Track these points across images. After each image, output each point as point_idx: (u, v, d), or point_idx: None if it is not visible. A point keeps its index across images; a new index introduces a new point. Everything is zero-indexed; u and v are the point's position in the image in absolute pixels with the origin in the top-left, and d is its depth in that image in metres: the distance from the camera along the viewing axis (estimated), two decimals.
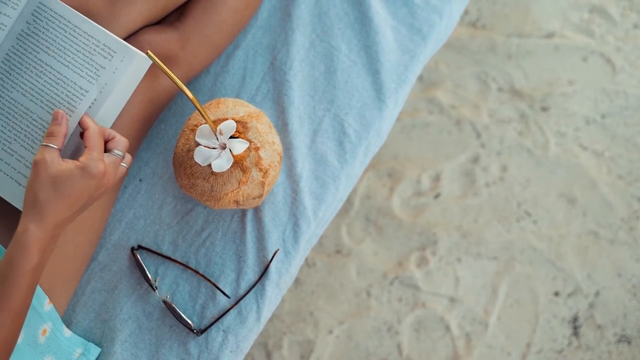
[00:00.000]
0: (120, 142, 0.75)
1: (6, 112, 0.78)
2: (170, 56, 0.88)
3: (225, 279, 0.91)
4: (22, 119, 0.77)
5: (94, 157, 0.70)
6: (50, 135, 0.71)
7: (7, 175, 0.78)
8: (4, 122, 0.78)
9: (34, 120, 0.77)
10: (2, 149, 0.78)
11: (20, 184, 0.78)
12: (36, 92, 0.77)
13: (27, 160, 0.78)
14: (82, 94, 0.76)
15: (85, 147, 0.72)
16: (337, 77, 0.98)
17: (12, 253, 0.68)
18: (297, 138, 0.95)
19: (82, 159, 0.70)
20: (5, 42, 0.78)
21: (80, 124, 0.74)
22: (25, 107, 0.77)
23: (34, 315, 0.81)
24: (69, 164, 0.69)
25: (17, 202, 0.78)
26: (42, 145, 0.71)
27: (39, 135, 0.77)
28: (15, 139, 0.78)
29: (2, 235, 0.81)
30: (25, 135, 0.77)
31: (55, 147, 0.71)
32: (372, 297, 1.33)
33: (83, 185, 0.70)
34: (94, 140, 0.72)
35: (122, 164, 0.76)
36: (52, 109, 0.77)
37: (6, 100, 0.78)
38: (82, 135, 0.75)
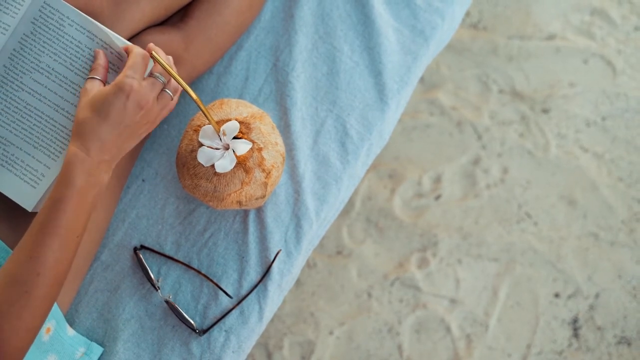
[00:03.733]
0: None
1: (12, 111, 0.78)
2: (174, 57, 0.89)
3: (228, 279, 0.91)
4: (29, 118, 0.78)
5: (127, 74, 0.71)
6: (92, 70, 0.75)
7: (17, 175, 0.78)
8: (12, 120, 0.78)
9: (42, 118, 0.77)
10: (11, 147, 0.78)
11: (29, 184, 0.78)
12: (43, 92, 0.77)
13: (35, 159, 0.78)
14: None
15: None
16: (340, 78, 0.99)
17: (59, 179, 0.70)
18: (300, 139, 0.96)
19: (117, 78, 0.72)
20: (9, 42, 0.78)
21: (126, 50, 0.76)
22: (32, 107, 0.78)
23: None
24: (106, 87, 0.72)
25: (26, 201, 0.78)
26: (86, 79, 0.74)
27: (48, 133, 0.77)
28: (23, 138, 0.78)
29: (8, 236, 0.81)
30: (32, 134, 0.78)
31: (98, 78, 0.74)
32: (372, 298, 1.33)
33: (119, 104, 0.71)
34: (132, 59, 0.73)
35: (166, 90, 0.75)
36: (60, 107, 0.77)
37: (12, 100, 0.78)
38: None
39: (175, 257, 0.93)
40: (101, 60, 0.75)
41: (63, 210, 0.69)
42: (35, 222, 0.70)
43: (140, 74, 0.72)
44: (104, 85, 0.74)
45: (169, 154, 0.96)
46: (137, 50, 0.74)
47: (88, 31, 0.76)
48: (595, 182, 1.36)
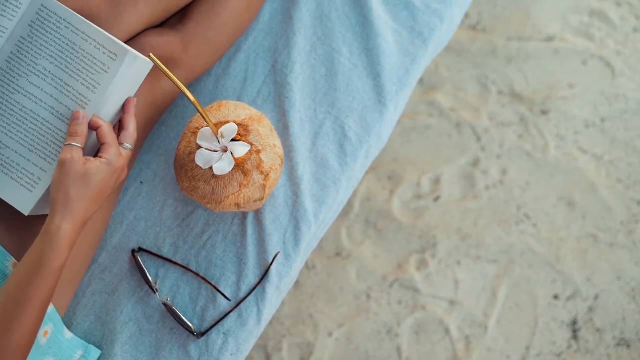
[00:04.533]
0: (130, 136, 0.78)
1: (8, 114, 0.78)
2: (172, 59, 0.89)
3: (226, 281, 0.91)
4: (25, 121, 0.77)
5: (114, 152, 0.74)
6: (73, 134, 0.74)
7: (13, 179, 0.78)
8: (7, 123, 0.78)
9: (37, 121, 0.77)
10: (6, 150, 0.78)
11: (25, 187, 0.78)
12: (39, 95, 0.77)
13: (31, 163, 0.77)
14: (81, 99, 0.76)
15: (103, 143, 0.75)
16: (338, 80, 0.98)
17: (44, 250, 0.69)
18: (298, 141, 0.95)
19: (104, 155, 0.73)
20: (6, 45, 0.78)
21: (91, 125, 0.76)
22: (28, 110, 0.77)
23: None
24: (96, 161, 0.73)
25: (22, 205, 0.78)
26: (65, 144, 0.73)
27: (43, 136, 0.77)
28: (19, 141, 0.78)
29: (5, 238, 0.81)
30: (28, 137, 0.77)
31: (79, 145, 0.73)
32: (371, 300, 1.33)
33: (108, 179, 0.74)
34: (110, 137, 0.75)
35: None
36: (56, 110, 0.77)
37: (8, 102, 0.78)
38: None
39: (174, 260, 0.92)
40: (84, 127, 0.75)
41: (47, 284, 0.69)
42: (13, 291, 0.69)
43: (119, 147, 0.76)
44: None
45: (167, 156, 0.96)
46: (106, 126, 0.75)
47: (82, 32, 0.76)
48: (594, 184, 1.36)
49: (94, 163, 0.72)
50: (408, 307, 1.32)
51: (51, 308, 0.83)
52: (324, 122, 0.97)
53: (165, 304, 0.89)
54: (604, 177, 1.36)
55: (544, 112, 1.40)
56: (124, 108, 0.79)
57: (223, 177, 0.81)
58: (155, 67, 0.85)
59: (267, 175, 0.83)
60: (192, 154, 0.82)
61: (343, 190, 0.97)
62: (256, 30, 1.01)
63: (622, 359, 1.29)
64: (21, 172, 0.78)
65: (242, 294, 0.91)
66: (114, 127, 0.81)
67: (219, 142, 0.80)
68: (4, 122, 0.78)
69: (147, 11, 0.86)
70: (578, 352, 1.29)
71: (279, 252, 0.91)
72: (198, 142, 0.81)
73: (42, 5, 0.76)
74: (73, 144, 0.73)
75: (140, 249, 0.93)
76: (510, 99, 1.41)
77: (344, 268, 1.34)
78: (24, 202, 0.78)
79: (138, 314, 0.90)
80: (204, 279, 0.91)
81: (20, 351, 0.69)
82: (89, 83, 0.76)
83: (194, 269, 0.92)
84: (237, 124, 0.82)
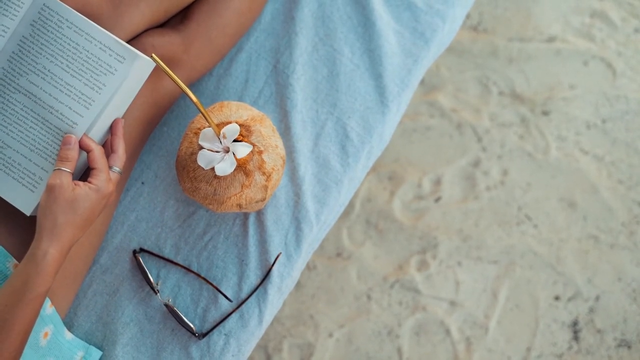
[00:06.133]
0: (119, 159, 0.77)
1: (10, 113, 0.77)
2: (174, 59, 0.88)
3: (228, 282, 0.91)
4: (26, 120, 0.77)
5: (104, 178, 0.74)
6: (63, 159, 0.73)
7: (14, 179, 0.78)
8: (9, 123, 0.78)
9: (38, 120, 0.77)
10: (8, 150, 0.78)
11: (27, 187, 0.77)
12: (41, 95, 0.77)
13: (33, 162, 0.77)
14: (84, 100, 0.76)
15: (93, 168, 0.74)
16: (340, 80, 0.98)
17: (30, 275, 0.69)
18: (300, 141, 0.95)
19: (94, 181, 0.73)
20: (8, 44, 0.77)
21: (82, 146, 0.76)
22: (30, 109, 0.77)
23: None
24: (84, 187, 0.72)
25: (24, 205, 0.78)
26: (55, 169, 0.73)
27: (45, 136, 0.77)
28: (20, 141, 0.77)
29: (6, 239, 0.81)
30: (28, 136, 0.77)
31: (69, 171, 0.73)
32: (372, 301, 1.33)
33: (96, 205, 0.73)
34: (100, 162, 0.75)
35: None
36: (56, 110, 0.76)
37: (10, 102, 0.77)
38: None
39: (175, 260, 0.92)
40: (74, 151, 0.74)
41: (32, 308, 0.69)
42: None
43: (108, 172, 0.75)
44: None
45: (168, 157, 0.96)
46: (97, 150, 0.75)
47: (86, 33, 0.76)
48: (595, 185, 1.36)
49: (83, 189, 0.72)
50: (409, 308, 1.32)
51: (52, 309, 0.83)
52: (325, 122, 0.97)
53: (166, 305, 0.89)
54: (605, 178, 1.36)
55: (545, 113, 1.40)
56: (112, 130, 0.78)
57: (225, 177, 0.81)
58: (157, 67, 0.85)
59: (269, 176, 0.83)
60: (193, 154, 0.82)
61: (345, 191, 0.97)
62: (258, 31, 1.00)
63: None
64: (23, 172, 0.78)
65: (243, 295, 0.90)
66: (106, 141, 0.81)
67: (220, 142, 0.80)
68: (5, 121, 0.78)
69: (149, 11, 0.86)
70: (579, 353, 1.29)
71: (280, 253, 0.91)
72: (200, 142, 0.80)
73: (44, 4, 0.76)
74: (63, 168, 0.72)
75: (142, 250, 0.92)
76: (511, 99, 1.41)
77: (345, 269, 1.34)
78: (26, 202, 0.78)
79: (139, 314, 0.90)
80: (205, 279, 0.91)
81: None
82: (93, 84, 0.76)
83: (195, 269, 0.92)
84: (239, 125, 0.82)
